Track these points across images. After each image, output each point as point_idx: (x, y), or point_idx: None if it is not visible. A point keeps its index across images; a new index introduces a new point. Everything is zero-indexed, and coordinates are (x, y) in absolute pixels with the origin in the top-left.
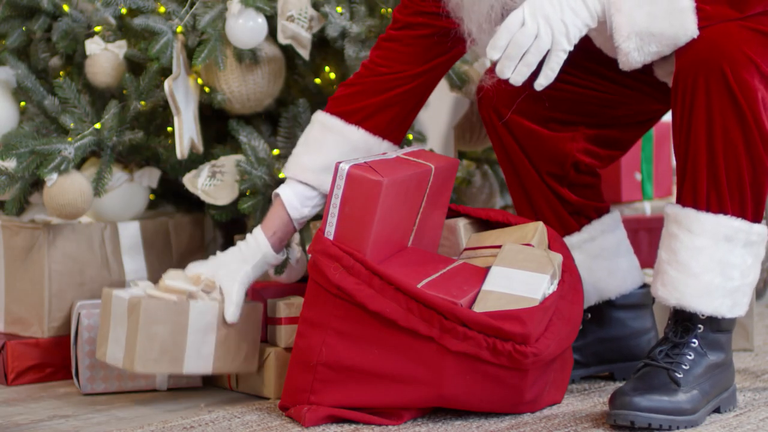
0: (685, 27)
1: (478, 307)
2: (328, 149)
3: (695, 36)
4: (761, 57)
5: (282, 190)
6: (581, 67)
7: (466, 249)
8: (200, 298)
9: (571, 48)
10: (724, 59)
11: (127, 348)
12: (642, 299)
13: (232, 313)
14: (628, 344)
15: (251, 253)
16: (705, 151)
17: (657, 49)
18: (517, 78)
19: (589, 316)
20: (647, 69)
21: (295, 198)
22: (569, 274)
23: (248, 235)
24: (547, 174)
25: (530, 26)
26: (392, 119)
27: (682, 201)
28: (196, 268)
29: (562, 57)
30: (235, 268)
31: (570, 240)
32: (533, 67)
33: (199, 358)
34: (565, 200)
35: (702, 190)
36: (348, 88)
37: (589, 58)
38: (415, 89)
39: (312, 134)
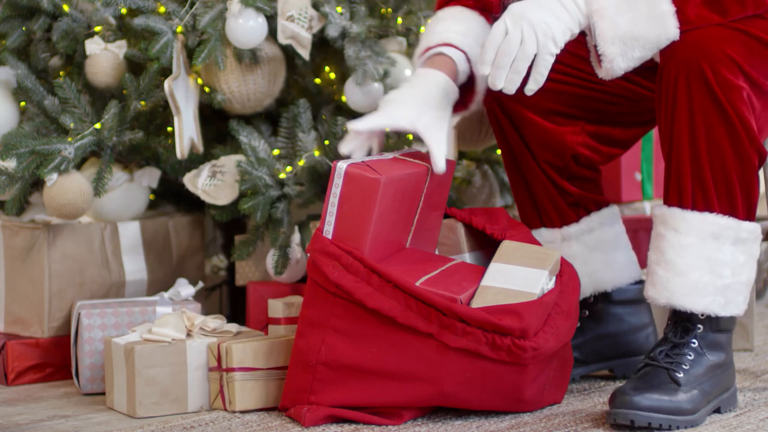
0: (666, 30)
1: (477, 302)
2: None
3: (676, 38)
4: (744, 56)
5: (441, 50)
6: (587, 62)
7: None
8: (197, 336)
9: (558, 51)
10: (704, 59)
11: (128, 394)
12: (638, 294)
13: (442, 166)
14: (626, 340)
15: (441, 96)
16: (688, 150)
17: (640, 53)
18: (510, 87)
19: (587, 312)
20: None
21: (456, 53)
22: (567, 267)
23: (429, 73)
24: (548, 165)
25: (514, 34)
26: None
27: (668, 201)
28: (397, 110)
29: (550, 60)
30: (436, 116)
31: (568, 231)
32: (523, 73)
33: (204, 394)
34: (565, 191)
35: (687, 190)
36: None
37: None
38: None
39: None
